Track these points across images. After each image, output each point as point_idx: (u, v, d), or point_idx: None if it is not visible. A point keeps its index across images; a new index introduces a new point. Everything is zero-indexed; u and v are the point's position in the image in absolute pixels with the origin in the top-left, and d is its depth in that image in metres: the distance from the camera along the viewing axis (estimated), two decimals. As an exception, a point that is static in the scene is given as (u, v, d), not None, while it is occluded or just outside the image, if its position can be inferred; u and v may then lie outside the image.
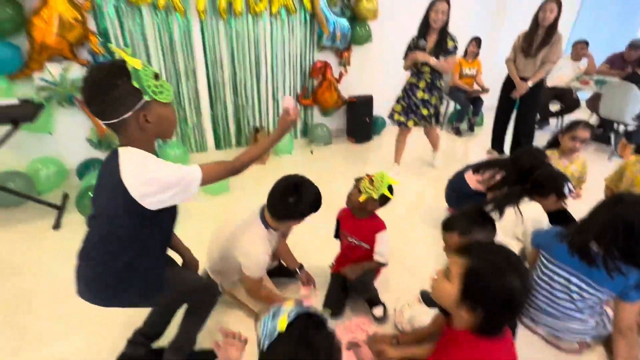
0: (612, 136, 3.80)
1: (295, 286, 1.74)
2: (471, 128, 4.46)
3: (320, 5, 3.15)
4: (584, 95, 4.43)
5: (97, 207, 1.01)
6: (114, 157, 0.93)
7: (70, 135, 2.66)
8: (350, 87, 3.86)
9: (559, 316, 1.32)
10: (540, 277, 1.33)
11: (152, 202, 0.91)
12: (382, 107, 4.10)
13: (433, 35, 2.66)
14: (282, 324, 0.67)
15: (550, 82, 3.97)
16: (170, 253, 1.24)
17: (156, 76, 0.91)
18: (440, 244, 1.34)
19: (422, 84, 2.80)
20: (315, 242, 2.01)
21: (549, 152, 2.19)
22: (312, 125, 3.82)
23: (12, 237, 2.08)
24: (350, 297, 1.65)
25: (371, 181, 1.44)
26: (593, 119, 4.33)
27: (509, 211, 1.61)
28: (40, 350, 1.41)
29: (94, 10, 2.41)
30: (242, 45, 3.09)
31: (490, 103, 4.57)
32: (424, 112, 2.85)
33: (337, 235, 1.72)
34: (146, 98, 0.89)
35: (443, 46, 2.64)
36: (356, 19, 3.49)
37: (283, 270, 1.78)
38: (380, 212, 1.58)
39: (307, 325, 0.69)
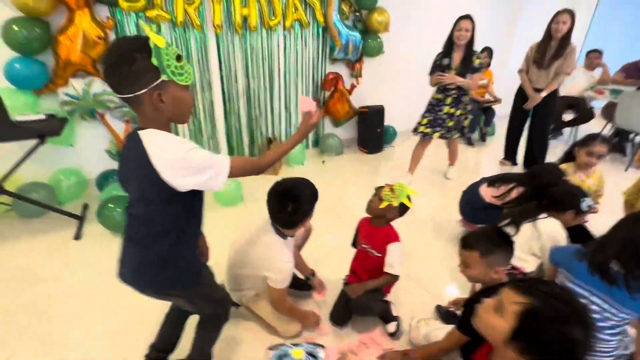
0: (629, 146, 3.74)
1: (306, 301, 1.76)
2: (483, 138, 4.45)
3: (333, 19, 3.21)
4: (598, 104, 4.39)
5: (130, 193, 1.00)
6: (135, 140, 0.90)
7: (90, 147, 2.74)
8: (362, 97, 3.90)
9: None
10: (559, 295, 1.32)
11: (182, 184, 0.90)
12: (393, 118, 4.14)
13: (458, 52, 2.73)
14: None
15: (563, 92, 3.94)
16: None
17: (179, 57, 0.90)
18: (455, 259, 1.34)
19: (448, 100, 2.88)
20: (324, 252, 2.02)
21: (564, 166, 2.18)
22: (323, 136, 3.86)
23: (35, 247, 2.14)
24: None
25: (392, 190, 1.48)
26: (608, 129, 4.28)
27: (526, 226, 1.60)
28: (62, 357, 1.45)
29: (116, 27, 2.49)
30: (256, 58, 3.16)
31: (501, 113, 4.56)
32: (450, 123, 2.93)
33: (354, 244, 1.74)
34: (164, 77, 0.87)
35: (469, 64, 2.71)
36: (368, 31, 3.54)
37: (294, 283, 1.79)
38: (394, 225, 1.60)
39: None
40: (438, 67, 2.85)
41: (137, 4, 2.47)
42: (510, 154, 3.63)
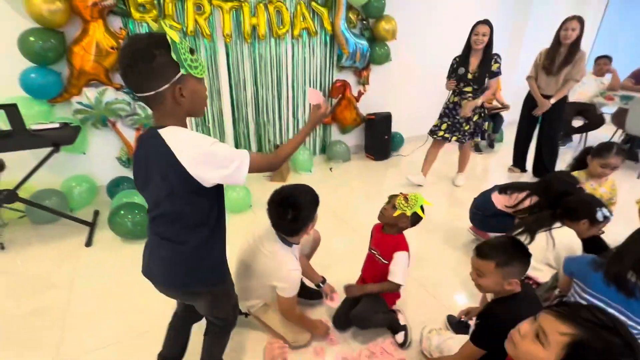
0: (640, 153, 3.69)
1: (315, 310, 1.75)
2: (491, 145, 4.42)
3: (340, 28, 3.24)
4: (608, 110, 4.35)
5: (151, 194, 0.99)
6: (154, 139, 0.91)
7: (101, 155, 2.78)
8: (369, 104, 3.91)
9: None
10: (574, 307, 1.30)
11: (208, 177, 0.91)
12: (400, 125, 4.14)
13: (476, 56, 2.78)
14: None
15: (572, 98, 3.91)
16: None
17: (192, 51, 0.91)
18: (466, 268, 1.32)
19: (464, 104, 2.90)
20: (332, 259, 2.02)
21: (575, 174, 2.15)
22: (330, 143, 3.87)
23: (48, 253, 2.17)
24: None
25: (406, 199, 1.48)
26: (619, 135, 4.23)
27: (541, 236, 1.58)
28: (75, 365, 1.46)
29: (128, 37, 2.54)
30: (264, 67, 3.19)
31: (509, 119, 4.54)
32: (466, 128, 2.97)
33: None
34: (182, 71, 0.87)
35: (487, 68, 2.75)
36: (375, 39, 3.56)
37: (303, 292, 1.79)
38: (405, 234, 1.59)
39: None
40: (455, 71, 2.88)
41: (149, 14, 2.53)
42: (519, 161, 3.60)
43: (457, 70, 2.85)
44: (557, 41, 2.91)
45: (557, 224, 1.60)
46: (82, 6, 2.21)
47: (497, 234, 1.47)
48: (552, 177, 1.94)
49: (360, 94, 3.78)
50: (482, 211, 2.13)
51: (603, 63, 4.15)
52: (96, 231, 2.38)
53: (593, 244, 1.56)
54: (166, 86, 0.87)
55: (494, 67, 2.77)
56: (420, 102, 4.38)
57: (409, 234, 1.59)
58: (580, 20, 2.79)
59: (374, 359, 1.49)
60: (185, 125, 0.96)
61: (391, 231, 1.58)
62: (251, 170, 0.96)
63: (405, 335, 1.55)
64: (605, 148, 2.08)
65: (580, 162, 2.23)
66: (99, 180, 2.81)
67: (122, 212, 2.19)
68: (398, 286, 1.55)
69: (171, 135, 0.90)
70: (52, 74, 2.31)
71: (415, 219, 1.51)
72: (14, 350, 1.51)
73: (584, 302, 1.28)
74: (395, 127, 4.00)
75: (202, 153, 0.90)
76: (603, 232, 1.63)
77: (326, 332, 1.57)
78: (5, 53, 2.20)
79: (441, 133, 3.05)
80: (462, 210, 2.64)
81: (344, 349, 1.54)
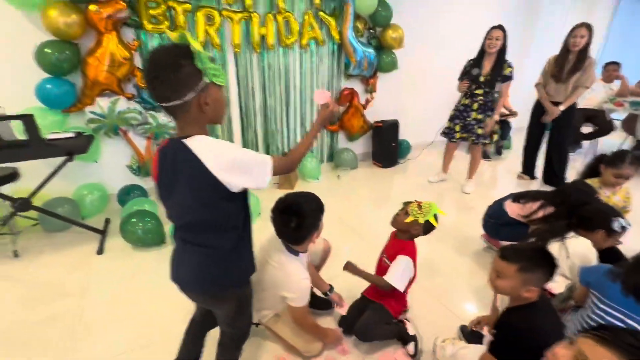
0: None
1: (324, 318, 1.74)
2: (499, 151, 4.40)
3: (348, 37, 3.27)
4: (617, 116, 4.31)
5: (178, 202, 1.00)
6: (180, 149, 0.93)
7: (112, 163, 2.82)
8: (376, 112, 3.93)
9: (613, 359, 1.24)
10: (591, 318, 1.27)
11: (236, 182, 0.94)
12: (407, 132, 4.15)
13: (489, 60, 2.85)
14: None
15: (581, 104, 3.88)
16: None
17: (212, 60, 0.93)
18: (477, 277, 1.31)
19: (475, 106, 2.97)
20: (340, 266, 2.00)
21: (587, 182, 2.12)
22: (338, 150, 3.88)
23: (60, 260, 2.19)
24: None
25: (419, 206, 1.49)
26: (629, 141, 4.19)
27: (555, 246, 1.56)
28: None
29: (141, 48, 2.60)
30: (273, 75, 3.23)
31: (517, 126, 4.52)
32: (479, 131, 3.02)
33: None
34: (206, 80, 0.90)
35: (500, 72, 2.81)
36: (382, 47, 3.59)
37: (312, 301, 1.78)
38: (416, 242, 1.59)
39: None
40: (467, 74, 2.96)
41: (161, 25, 2.58)
42: (528, 168, 3.57)
43: (471, 71, 2.91)
44: (565, 48, 2.91)
45: (571, 234, 1.57)
46: (97, 19, 2.26)
47: (510, 243, 1.45)
48: (569, 187, 1.90)
49: (367, 101, 3.80)
50: (495, 219, 2.11)
51: (612, 69, 4.13)
52: (107, 239, 2.40)
53: (610, 254, 1.53)
54: (192, 95, 0.90)
55: (507, 71, 2.83)
56: (428, 109, 4.39)
57: (420, 241, 1.59)
58: (588, 27, 2.78)
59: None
60: (207, 133, 0.98)
61: (403, 237, 1.58)
62: (274, 173, 1.00)
63: (416, 346, 1.53)
64: (619, 158, 2.04)
65: (592, 170, 2.20)
66: (109, 188, 2.85)
67: (133, 219, 2.21)
68: (392, 288, 1.51)
69: (197, 144, 0.93)
70: (66, 85, 2.36)
71: (428, 228, 1.51)
72: (25, 357, 1.52)
73: (601, 313, 1.26)
74: (402, 135, 4.01)
75: (229, 160, 0.93)
76: (621, 243, 1.59)
77: (338, 341, 1.56)
78: (22, 65, 2.25)
79: (458, 135, 3.14)
80: (472, 218, 2.62)
81: (356, 359, 1.52)
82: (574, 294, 1.47)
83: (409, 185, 3.49)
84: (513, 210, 1.99)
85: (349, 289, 1.78)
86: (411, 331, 1.58)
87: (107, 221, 2.62)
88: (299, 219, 1.28)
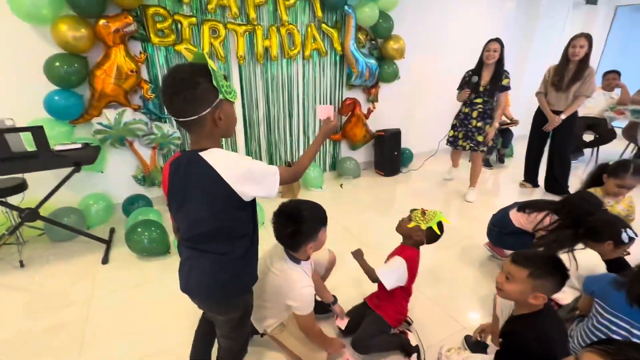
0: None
1: (328, 323, 1.74)
2: (501, 160, 4.42)
3: (350, 48, 3.33)
4: (618, 124, 4.33)
5: (192, 212, 1.04)
6: (195, 161, 0.98)
7: (117, 173, 2.85)
8: (378, 121, 3.97)
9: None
10: (596, 327, 1.27)
11: (249, 192, 1.01)
12: (409, 141, 4.18)
13: (488, 70, 2.95)
14: None
15: (582, 112, 3.91)
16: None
17: (225, 78, 1.00)
18: (482, 285, 1.31)
19: (474, 114, 3.06)
20: (343, 275, 2.01)
21: (590, 191, 2.13)
22: (341, 159, 3.90)
23: (66, 270, 2.21)
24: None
25: (423, 213, 1.51)
26: (630, 149, 4.20)
27: (563, 257, 1.56)
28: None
29: (147, 60, 2.65)
30: (276, 86, 3.28)
31: (519, 134, 4.55)
32: (479, 138, 3.10)
33: None
34: (220, 97, 0.97)
35: (498, 82, 2.91)
36: (384, 58, 3.64)
37: (316, 306, 1.78)
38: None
39: None
40: (466, 83, 3.06)
41: (167, 39, 2.64)
42: (530, 176, 3.58)
43: (471, 80, 3.00)
44: (565, 58, 2.94)
45: (580, 245, 1.57)
46: (105, 33, 2.32)
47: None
48: (575, 197, 1.89)
49: (369, 111, 3.84)
50: (500, 228, 2.11)
51: (612, 78, 4.17)
52: (112, 248, 2.42)
53: (617, 265, 1.53)
54: (208, 110, 0.96)
55: (504, 82, 2.92)
56: (429, 118, 4.43)
57: (424, 249, 1.59)
58: (587, 37, 2.82)
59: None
60: (220, 146, 1.04)
61: (407, 243, 1.60)
62: (282, 182, 1.07)
63: (418, 357, 1.53)
64: (622, 168, 2.04)
65: (595, 179, 2.21)
66: (114, 198, 2.88)
67: (139, 229, 2.23)
68: (381, 284, 1.54)
69: (213, 157, 0.99)
70: (74, 97, 2.41)
71: (432, 235, 1.52)
72: (33, 368, 1.53)
73: (606, 323, 1.26)
74: (404, 143, 4.04)
75: (243, 171, 0.99)
76: (629, 254, 1.58)
77: (342, 351, 1.56)
78: (31, 77, 2.30)
79: (461, 142, 3.24)
80: (475, 226, 2.63)
81: (361, 369, 1.52)
82: (578, 303, 1.47)
83: (411, 193, 3.50)
84: (517, 219, 2.00)
85: (352, 299, 1.79)
86: (413, 342, 1.58)
87: (112, 231, 2.64)
88: (295, 224, 1.28)
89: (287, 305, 1.40)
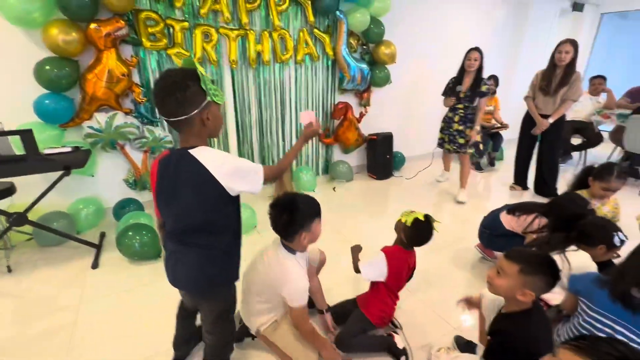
0: (640, 170, 3.73)
1: (314, 319, 1.74)
2: (492, 163, 4.47)
3: (341, 52, 3.36)
4: (605, 128, 4.42)
5: (180, 208, 1.10)
6: (185, 159, 1.05)
7: (108, 177, 2.83)
8: (370, 125, 4.00)
9: (605, 367, 1.26)
10: (582, 325, 1.29)
11: (236, 187, 1.08)
12: (401, 144, 4.22)
13: (468, 77, 3.11)
14: None
15: (570, 116, 3.99)
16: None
17: (212, 81, 1.08)
18: (472, 287, 1.33)
19: (456, 118, 3.21)
20: (335, 278, 2.02)
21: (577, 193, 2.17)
22: (333, 163, 3.93)
23: (55, 275, 2.18)
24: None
25: (412, 211, 1.56)
26: (617, 152, 4.28)
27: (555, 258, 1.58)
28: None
29: (139, 64, 2.65)
30: (268, 90, 3.29)
31: (508, 137, 4.61)
32: (461, 141, 3.24)
33: None
34: (208, 99, 1.05)
35: (477, 88, 3.06)
36: (375, 63, 3.68)
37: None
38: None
39: None
40: (450, 89, 3.22)
41: (159, 43, 2.65)
42: (520, 179, 3.64)
43: (455, 88, 3.15)
44: (552, 63, 3.01)
45: (572, 247, 1.60)
46: (97, 36, 2.32)
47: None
48: (563, 199, 1.92)
49: (361, 115, 3.87)
50: (491, 230, 2.13)
51: (598, 82, 4.26)
52: (102, 253, 2.40)
53: (607, 267, 1.56)
54: (196, 111, 1.04)
55: (483, 88, 3.07)
56: (421, 122, 4.49)
57: (418, 252, 1.62)
58: (573, 43, 2.89)
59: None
60: (207, 145, 1.11)
61: (396, 241, 1.64)
62: (265, 178, 1.14)
63: (407, 358, 1.54)
64: (606, 171, 2.08)
65: (581, 182, 2.25)
66: (105, 202, 2.85)
67: (130, 233, 2.21)
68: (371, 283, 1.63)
69: (202, 154, 1.05)
70: (65, 100, 2.40)
71: (413, 234, 1.53)
72: (20, 374, 1.50)
73: (591, 321, 1.28)
74: (396, 147, 4.08)
75: (230, 167, 1.06)
76: (619, 256, 1.61)
77: (334, 354, 1.56)
78: (21, 80, 2.29)
79: (447, 146, 3.39)
80: (467, 229, 2.66)
81: (352, 372, 1.52)
82: (562, 302, 1.49)
83: (403, 196, 3.53)
84: (508, 221, 2.02)
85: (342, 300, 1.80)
86: (400, 344, 1.58)
87: (103, 235, 2.61)
88: (290, 213, 1.32)
89: (282, 297, 1.40)
